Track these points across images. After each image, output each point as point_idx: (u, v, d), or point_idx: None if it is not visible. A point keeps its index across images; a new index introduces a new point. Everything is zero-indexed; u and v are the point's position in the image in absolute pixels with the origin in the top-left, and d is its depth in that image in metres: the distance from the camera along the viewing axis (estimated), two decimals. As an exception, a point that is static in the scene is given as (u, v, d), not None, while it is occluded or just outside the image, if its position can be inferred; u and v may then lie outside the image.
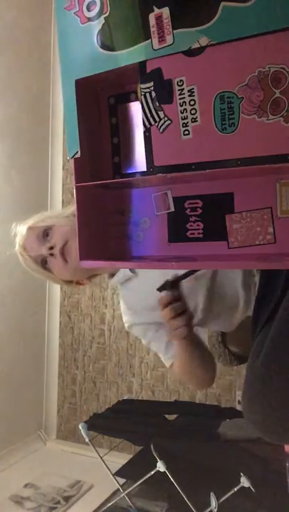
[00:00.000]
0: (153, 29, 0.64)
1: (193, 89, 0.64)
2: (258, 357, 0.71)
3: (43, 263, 1.08)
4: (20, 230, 1.11)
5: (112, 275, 1.14)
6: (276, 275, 0.78)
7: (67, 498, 2.24)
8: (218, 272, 1.07)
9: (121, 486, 1.87)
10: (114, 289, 2.74)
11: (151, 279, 1.01)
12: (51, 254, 1.04)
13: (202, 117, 0.65)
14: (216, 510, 1.56)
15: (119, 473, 1.88)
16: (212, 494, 1.59)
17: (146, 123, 0.68)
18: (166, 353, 1.12)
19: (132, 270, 1.10)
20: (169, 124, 0.67)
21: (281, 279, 0.76)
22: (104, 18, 0.67)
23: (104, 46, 0.68)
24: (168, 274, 0.95)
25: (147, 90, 0.68)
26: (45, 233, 1.07)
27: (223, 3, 0.59)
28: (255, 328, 0.80)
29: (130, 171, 0.80)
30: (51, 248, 1.04)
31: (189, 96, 0.65)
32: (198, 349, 1.05)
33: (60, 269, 1.06)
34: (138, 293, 1.12)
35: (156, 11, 0.63)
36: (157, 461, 1.68)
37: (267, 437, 0.73)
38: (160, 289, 0.94)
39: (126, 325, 1.18)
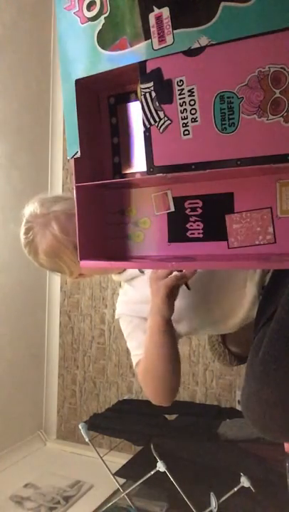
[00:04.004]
0: (153, 29, 0.64)
1: (193, 89, 0.64)
2: (257, 355, 0.71)
3: None
4: (47, 207, 1.07)
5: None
6: (282, 275, 0.78)
7: (67, 498, 2.24)
8: (216, 275, 1.06)
9: (121, 486, 1.88)
10: (114, 289, 2.74)
11: None
12: None
13: (202, 117, 0.65)
14: (216, 510, 1.56)
15: (119, 473, 1.88)
16: (212, 494, 1.59)
17: (146, 123, 0.68)
18: (139, 347, 1.07)
19: (140, 270, 1.10)
20: (169, 124, 0.67)
21: (287, 278, 0.76)
22: (104, 18, 0.67)
23: (104, 46, 0.68)
24: None
25: (147, 90, 0.67)
26: None
27: (223, 3, 0.59)
28: (257, 326, 0.80)
29: (130, 171, 0.80)
30: None
31: (189, 96, 0.65)
32: (172, 344, 0.99)
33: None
34: (140, 290, 1.12)
35: (156, 11, 0.63)
36: (157, 461, 1.68)
37: (263, 434, 0.73)
38: None
39: (116, 316, 1.19)
